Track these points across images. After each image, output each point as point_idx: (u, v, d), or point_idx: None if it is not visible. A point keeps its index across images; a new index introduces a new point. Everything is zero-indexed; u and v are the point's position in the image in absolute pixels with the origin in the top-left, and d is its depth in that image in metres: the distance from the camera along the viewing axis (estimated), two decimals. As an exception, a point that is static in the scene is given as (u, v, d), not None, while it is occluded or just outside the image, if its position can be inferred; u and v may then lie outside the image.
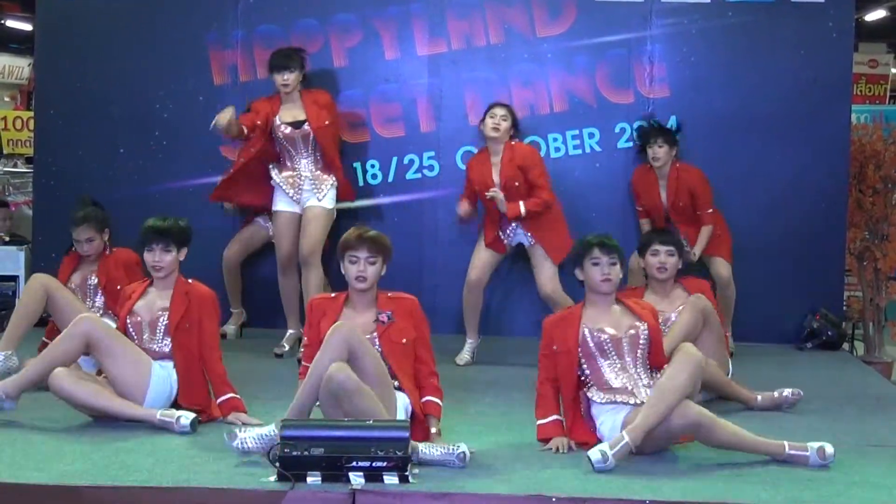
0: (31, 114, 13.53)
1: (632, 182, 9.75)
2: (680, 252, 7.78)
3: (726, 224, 9.49)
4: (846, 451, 6.38)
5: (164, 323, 6.90)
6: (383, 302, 6.49)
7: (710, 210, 9.39)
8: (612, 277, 6.47)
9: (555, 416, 6.46)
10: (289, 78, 9.13)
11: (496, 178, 8.89)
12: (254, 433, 6.07)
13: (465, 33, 10.17)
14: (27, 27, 17.12)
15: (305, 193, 9.16)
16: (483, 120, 9.03)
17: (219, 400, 6.91)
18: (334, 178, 9.25)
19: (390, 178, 10.15)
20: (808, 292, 10.05)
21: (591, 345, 6.43)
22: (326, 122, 9.21)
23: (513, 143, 8.98)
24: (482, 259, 9.08)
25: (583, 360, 6.45)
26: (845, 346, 10.30)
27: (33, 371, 6.72)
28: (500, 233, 9.01)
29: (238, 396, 6.94)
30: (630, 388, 6.35)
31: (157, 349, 6.91)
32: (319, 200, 9.11)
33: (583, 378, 6.47)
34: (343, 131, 9.81)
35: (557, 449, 6.33)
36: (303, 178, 9.18)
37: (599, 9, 10.10)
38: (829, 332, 9.91)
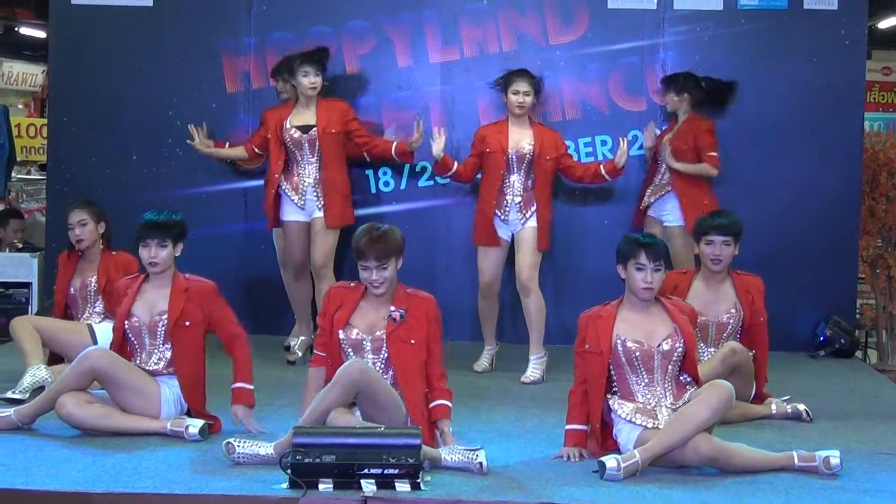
0: (45, 121, 13.60)
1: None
2: (737, 240, 7.61)
3: (715, 200, 9.37)
4: (859, 459, 6.38)
5: (164, 326, 6.84)
6: (401, 298, 6.50)
7: (712, 153, 9.37)
8: (654, 286, 6.36)
9: (580, 426, 6.41)
10: (316, 81, 9.05)
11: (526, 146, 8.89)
12: (249, 451, 6.10)
13: (477, 41, 10.18)
14: (41, 34, 17.15)
15: (310, 201, 9.07)
16: (505, 92, 8.98)
17: (233, 385, 6.88)
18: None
19: (403, 186, 10.16)
20: (821, 300, 10.03)
21: (622, 355, 6.35)
22: (333, 131, 9.07)
23: (541, 124, 9.06)
24: (488, 261, 9.02)
25: (611, 366, 6.39)
26: (858, 353, 10.29)
27: (46, 401, 6.66)
28: (497, 212, 8.91)
29: (250, 388, 6.89)
30: (652, 406, 6.27)
31: (159, 361, 6.84)
32: (321, 209, 9.05)
33: (611, 383, 6.43)
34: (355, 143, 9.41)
35: (568, 457, 6.33)
36: (306, 184, 9.07)
37: (612, 16, 10.10)
38: (842, 340, 9.89)
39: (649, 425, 6.18)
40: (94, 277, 8.17)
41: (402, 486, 5.59)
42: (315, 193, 9.04)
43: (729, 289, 7.59)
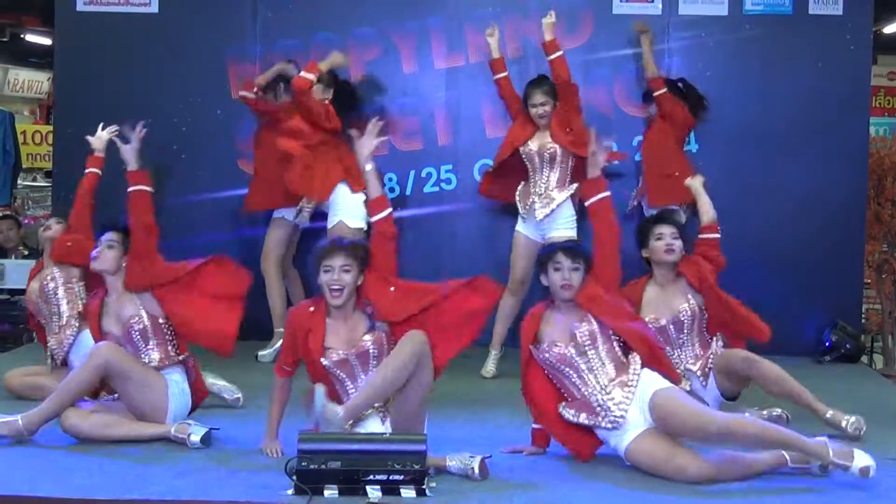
0: (51, 128, 13.60)
1: None
2: (683, 234, 7.45)
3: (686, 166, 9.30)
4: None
5: (138, 329, 6.85)
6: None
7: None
8: (572, 284, 6.40)
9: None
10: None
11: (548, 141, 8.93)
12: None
13: (483, 47, 10.14)
14: (47, 42, 17.18)
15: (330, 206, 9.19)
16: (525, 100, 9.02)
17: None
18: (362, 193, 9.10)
19: (408, 192, 10.17)
20: (827, 305, 10.03)
21: (544, 366, 6.43)
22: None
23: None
24: (520, 249, 9.06)
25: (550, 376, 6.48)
26: (864, 359, 10.28)
27: (54, 405, 6.59)
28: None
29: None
30: (593, 404, 6.25)
31: (149, 363, 6.86)
32: (338, 214, 9.08)
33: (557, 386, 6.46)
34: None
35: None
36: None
37: (617, 22, 10.12)
38: (848, 345, 9.88)
39: (601, 423, 6.20)
40: (50, 275, 8.09)
41: (408, 492, 5.59)
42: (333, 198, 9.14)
43: (682, 283, 7.39)
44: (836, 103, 10.04)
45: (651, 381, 6.22)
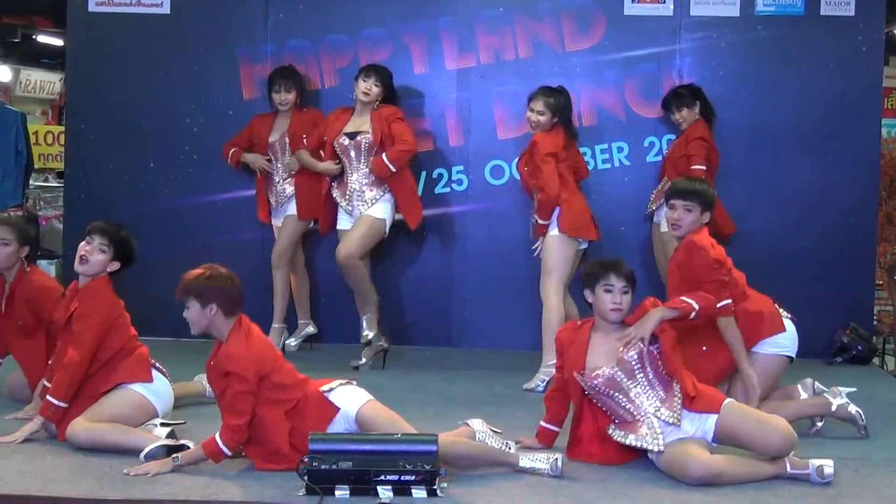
0: (62, 128, 13.61)
1: None
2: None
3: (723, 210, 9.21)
4: (876, 466, 6.37)
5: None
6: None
7: (698, 166, 9.20)
8: (623, 307, 6.38)
9: (551, 426, 6.63)
10: (371, 88, 9.23)
11: None
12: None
13: (494, 47, 10.18)
14: (59, 42, 17.19)
15: (356, 205, 9.20)
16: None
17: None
18: (387, 191, 9.24)
19: (419, 192, 10.15)
20: (838, 307, 10.01)
21: (589, 392, 6.39)
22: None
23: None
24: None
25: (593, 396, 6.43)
26: (875, 360, 10.26)
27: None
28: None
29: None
30: (640, 421, 6.24)
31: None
32: (368, 208, 9.16)
33: (604, 409, 6.43)
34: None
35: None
36: (352, 190, 9.21)
37: (629, 23, 10.10)
38: (860, 347, 9.86)
39: (646, 445, 6.19)
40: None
41: (419, 493, 5.59)
42: (360, 198, 9.19)
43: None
44: (848, 105, 10.01)
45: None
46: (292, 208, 9.55)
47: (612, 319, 6.39)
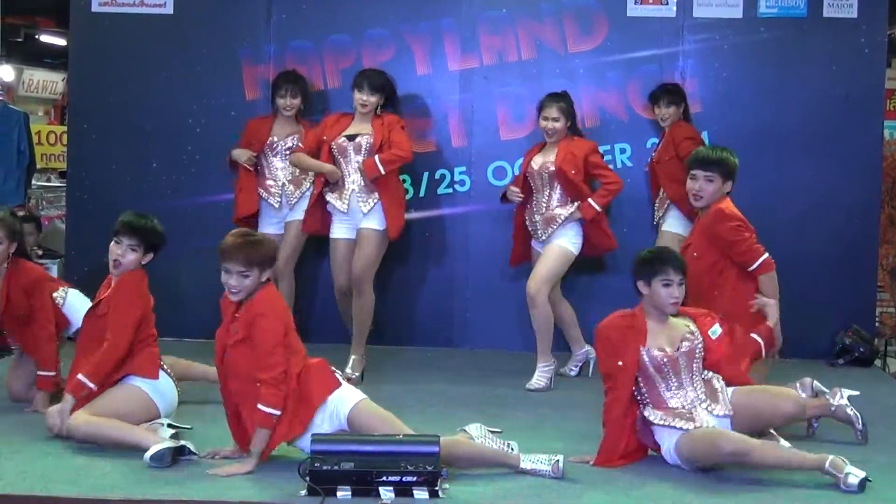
0: (65, 128, 13.59)
1: None
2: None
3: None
4: (879, 469, 6.36)
5: None
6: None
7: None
8: (680, 299, 6.48)
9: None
10: (368, 99, 9.01)
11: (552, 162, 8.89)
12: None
13: (496, 49, 10.18)
14: (61, 42, 17.20)
15: (354, 206, 8.91)
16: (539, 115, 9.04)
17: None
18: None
19: (421, 193, 10.16)
20: (840, 309, 10.02)
21: (650, 367, 6.40)
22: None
23: (572, 138, 9.00)
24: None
25: (639, 379, 6.44)
26: (877, 362, 10.26)
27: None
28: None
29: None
30: (688, 409, 6.36)
31: None
32: (365, 214, 8.88)
33: (639, 397, 6.46)
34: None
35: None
36: (349, 190, 8.93)
37: (631, 24, 10.11)
38: (862, 349, 9.86)
39: (688, 427, 6.26)
40: None
41: (421, 494, 5.60)
42: (359, 199, 8.91)
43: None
44: (851, 106, 10.01)
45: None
46: (298, 214, 9.43)
47: (670, 312, 6.49)
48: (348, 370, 8.67)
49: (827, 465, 6.06)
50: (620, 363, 6.38)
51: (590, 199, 8.77)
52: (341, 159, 8.99)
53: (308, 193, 9.32)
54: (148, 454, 6.15)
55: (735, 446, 6.05)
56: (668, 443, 6.34)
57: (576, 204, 8.79)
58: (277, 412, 6.04)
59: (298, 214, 9.38)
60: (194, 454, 6.33)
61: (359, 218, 8.92)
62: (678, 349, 6.42)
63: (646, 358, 6.38)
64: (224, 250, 6.21)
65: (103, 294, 6.94)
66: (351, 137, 8.98)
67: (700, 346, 6.47)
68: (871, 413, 7.21)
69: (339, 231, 9.03)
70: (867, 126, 10.07)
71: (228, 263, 6.18)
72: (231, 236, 6.29)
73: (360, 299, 8.89)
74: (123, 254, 6.89)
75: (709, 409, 6.39)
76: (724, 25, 10.07)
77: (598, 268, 9.88)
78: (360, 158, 8.91)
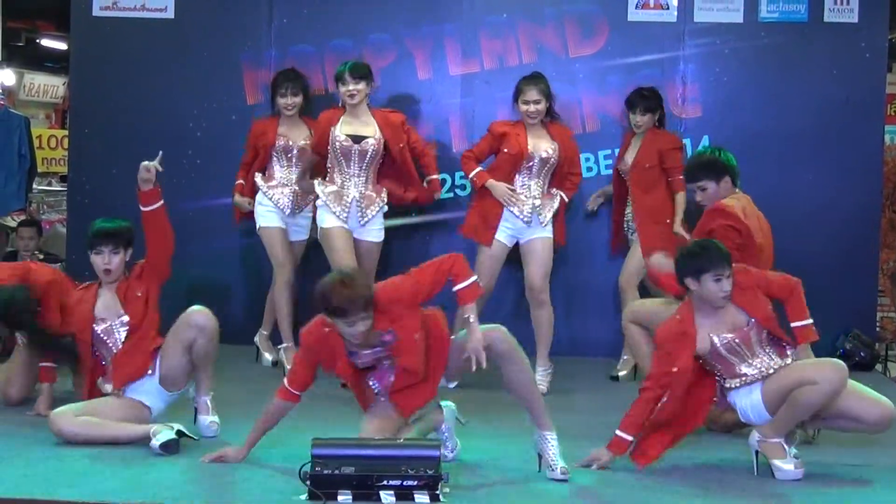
0: (66, 132, 13.61)
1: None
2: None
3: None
4: (881, 472, 6.39)
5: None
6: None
7: (681, 177, 9.01)
8: (729, 292, 6.43)
9: (628, 436, 6.37)
10: (355, 90, 8.72)
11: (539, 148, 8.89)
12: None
13: (497, 53, 10.20)
14: (62, 46, 17.23)
15: (353, 214, 8.69)
16: (516, 102, 8.96)
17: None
18: (384, 199, 8.88)
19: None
20: (841, 313, 10.01)
21: (723, 351, 6.40)
22: (400, 146, 8.85)
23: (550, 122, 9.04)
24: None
25: (714, 362, 6.42)
26: (878, 367, 10.26)
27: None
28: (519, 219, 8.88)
29: None
30: (765, 370, 6.39)
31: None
32: (363, 225, 8.74)
33: (717, 374, 6.49)
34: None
35: (592, 464, 6.37)
36: (350, 196, 8.70)
37: (632, 29, 10.12)
38: (862, 353, 9.86)
39: (760, 377, 6.36)
40: None
41: (422, 498, 5.59)
42: (359, 207, 8.72)
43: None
44: (851, 111, 10.02)
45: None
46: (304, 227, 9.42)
47: (720, 305, 6.44)
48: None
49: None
50: (675, 369, 6.33)
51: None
52: (343, 160, 8.74)
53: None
54: (156, 442, 6.40)
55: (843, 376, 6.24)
56: (746, 399, 6.40)
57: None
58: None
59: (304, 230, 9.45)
60: (193, 438, 6.59)
61: (355, 225, 8.77)
62: (747, 325, 6.42)
63: (717, 343, 6.36)
64: (338, 309, 6.00)
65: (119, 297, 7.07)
66: (356, 139, 8.70)
67: (760, 326, 6.45)
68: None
69: (332, 220, 8.69)
70: (868, 130, 10.08)
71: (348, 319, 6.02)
72: (333, 285, 6.04)
73: None
74: (110, 261, 7.03)
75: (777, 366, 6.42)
76: (724, 30, 10.08)
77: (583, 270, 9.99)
78: (364, 164, 8.71)
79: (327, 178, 8.79)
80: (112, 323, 7.01)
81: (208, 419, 7.01)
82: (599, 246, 10.08)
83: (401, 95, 10.18)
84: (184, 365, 6.93)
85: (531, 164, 8.85)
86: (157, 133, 10.31)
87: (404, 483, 5.60)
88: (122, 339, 6.97)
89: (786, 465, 6.21)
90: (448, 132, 10.18)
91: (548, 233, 8.84)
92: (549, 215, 8.85)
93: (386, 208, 8.91)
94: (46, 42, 18.44)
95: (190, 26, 10.36)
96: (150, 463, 6.27)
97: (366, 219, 8.74)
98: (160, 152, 7.34)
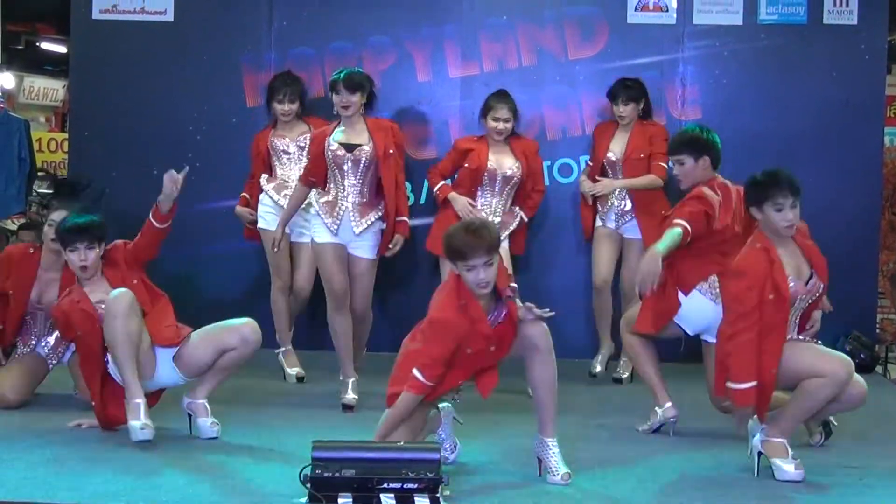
0: (66, 135, 13.61)
1: (593, 135, 9.76)
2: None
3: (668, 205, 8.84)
4: (879, 476, 6.37)
5: None
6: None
7: (662, 164, 9.08)
8: (795, 222, 6.38)
9: (747, 384, 6.18)
10: (347, 101, 8.18)
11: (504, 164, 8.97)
12: None
13: (497, 55, 10.20)
14: (62, 49, 17.23)
15: (345, 225, 8.15)
16: (484, 117, 9.03)
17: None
18: (380, 212, 8.27)
19: (422, 200, 10.17)
20: (841, 315, 9.94)
21: (799, 300, 6.41)
22: (391, 152, 8.22)
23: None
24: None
25: None
26: (878, 369, 10.26)
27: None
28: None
29: None
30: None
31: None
32: (357, 235, 8.16)
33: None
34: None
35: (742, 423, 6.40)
36: (343, 208, 8.18)
37: (632, 31, 10.13)
38: (862, 355, 9.86)
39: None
40: None
41: (422, 500, 5.59)
42: (353, 219, 8.15)
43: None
44: (851, 113, 10.03)
45: None
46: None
47: (786, 235, 6.37)
48: (350, 394, 8.18)
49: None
50: (772, 296, 6.20)
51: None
52: (337, 171, 8.23)
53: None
54: (136, 438, 6.55)
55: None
56: None
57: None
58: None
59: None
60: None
61: (349, 237, 8.22)
62: (810, 278, 6.44)
63: (796, 290, 6.35)
64: (466, 247, 5.94)
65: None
66: (349, 148, 8.18)
67: (820, 288, 6.56)
68: (872, 419, 7.22)
69: (324, 235, 8.23)
70: (867, 132, 10.09)
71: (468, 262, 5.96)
72: (458, 230, 6.07)
73: (364, 323, 8.56)
74: (86, 257, 7.07)
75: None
76: (724, 32, 10.09)
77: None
78: (358, 173, 8.17)
79: (325, 189, 8.34)
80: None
81: (209, 421, 7.00)
82: (568, 249, 10.09)
83: (401, 98, 10.19)
84: (206, 362, 6.97)
85: (494, 181, 8.93)
86: (157, 136, 10.32)
87: (405, 486, 5.59)
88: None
89: (786, 466, 6.20)
90: (448, 134, 10.18)
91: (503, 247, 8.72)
92: (506, 234, 8.90)
93: (383, 224, 8.30)
94: (46, 45, 18.44)
95: (190, 29, 10.36)
96: (151, 466, 6.28)
97: (360, 229, 8.18)
98: (185, 167, 7.33)
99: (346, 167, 8.18)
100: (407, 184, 9.86)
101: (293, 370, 9.21)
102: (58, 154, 17.90)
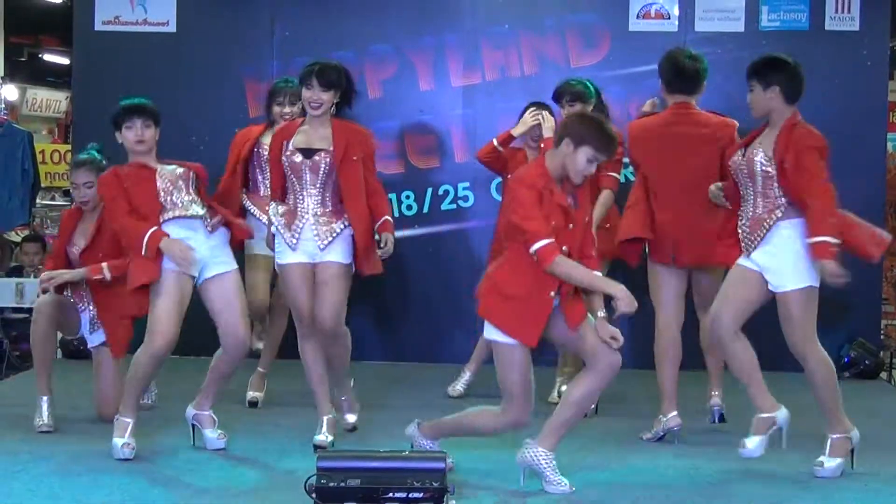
0: (69, 147, 13.63)
1: None
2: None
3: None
4: (885, 480, 6.39)
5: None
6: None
7: (610, 173, 8.45)
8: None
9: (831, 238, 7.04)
10: (318, 97, 7.18)
11: None
12: None
13: (499, 64, 10.21)
14: (65, 61, 17.29)
15: (306, 239, 7.16)
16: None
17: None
18: (346, 224, 7.17)
19: (425, 209, 10.18)
20: (845, 321, 10.02)
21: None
22: (354, 158, 7.16)
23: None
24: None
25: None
26: (883, 375, 10.26)
27: None
28: None
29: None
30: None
31: None
32: (323, 249, 7.14)
33: None
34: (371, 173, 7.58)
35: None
36: (303, 220, 7.18)
37: (633, 39, 10.14)
38: (866, 362, 9.87)
39: None
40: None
41: (427, 510, 5.60)
42: (314, 232, 7.14)
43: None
44: (854, 119, 10.03)
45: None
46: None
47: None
48: (350, 417, 7.66)
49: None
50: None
51: None
52: (294, 178, 7.25)
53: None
54: (116, 456, 6.62)
55: None
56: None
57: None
58: None
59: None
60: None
61: (313, 250, 7.18)
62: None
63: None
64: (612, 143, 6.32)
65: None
66: (307, 154, 7.17)
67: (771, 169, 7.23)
68: (876, 425, 7.23)
69: (286, 255, 7.24)
70: (870, 138, 10.10)
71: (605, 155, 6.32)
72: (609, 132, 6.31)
73: (337, 344, 7.35)
74: (143, 133, 7.38)
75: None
76: (726, 39, 10.10)
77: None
78: (318, 182, 7.16)
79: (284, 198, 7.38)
80: None
81: (216, 432, 6.98)
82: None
83: (403, 107, 10.21)
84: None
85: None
86: (159, 146, 10.23)
87: (410, 495, 5.59)
88: None
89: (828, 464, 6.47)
90: (450, 143, 10.19)
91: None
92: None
93: (352, 233, 7.19)
94: (49, 57, 18.50)
95: (192, 40, 10.38)
96: (155, 477, 6.28)
97: (325, 242, 7.15)
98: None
99: (304, 177, 7.21)
100: (410, 192, 9.92)
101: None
102: (61, 166, 17.90)
